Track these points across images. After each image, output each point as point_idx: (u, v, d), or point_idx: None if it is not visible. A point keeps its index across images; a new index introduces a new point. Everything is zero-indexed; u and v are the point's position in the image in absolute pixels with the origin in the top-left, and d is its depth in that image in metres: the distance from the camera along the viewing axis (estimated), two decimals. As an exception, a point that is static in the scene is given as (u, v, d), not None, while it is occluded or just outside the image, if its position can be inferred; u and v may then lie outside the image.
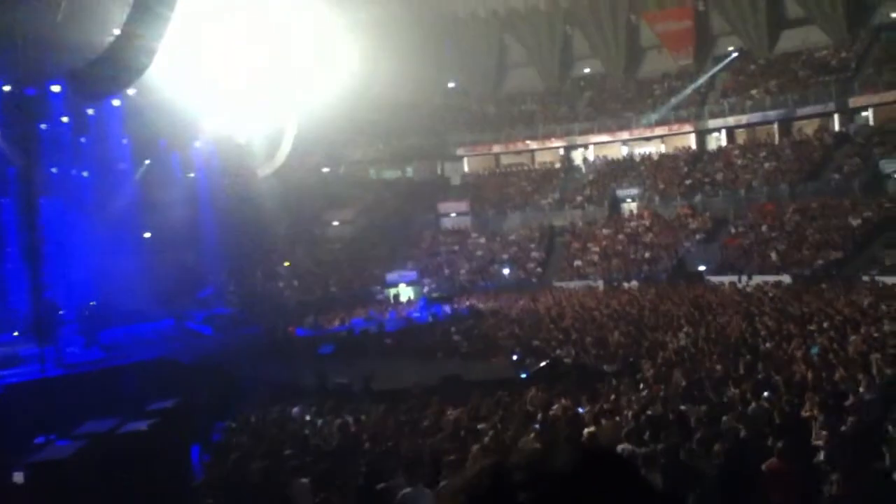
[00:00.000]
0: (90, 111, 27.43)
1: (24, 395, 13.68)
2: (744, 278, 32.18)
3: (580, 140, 49.92)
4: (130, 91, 27.02)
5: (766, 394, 11.41)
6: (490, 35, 53.69)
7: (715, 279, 33.64)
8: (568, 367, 17.36)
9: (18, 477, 9.21)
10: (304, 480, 9.17)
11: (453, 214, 48.42)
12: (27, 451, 10.41)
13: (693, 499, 7.73)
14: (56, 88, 24.64)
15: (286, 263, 40.31)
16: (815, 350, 14.86)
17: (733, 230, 38.77)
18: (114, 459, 10.18)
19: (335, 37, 34.50)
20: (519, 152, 51.90)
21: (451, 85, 54.36)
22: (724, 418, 10.34)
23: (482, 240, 45.67)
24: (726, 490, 7.89)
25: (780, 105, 43.72)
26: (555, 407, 12.38)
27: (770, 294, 26.52)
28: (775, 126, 44.39)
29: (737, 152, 44.71)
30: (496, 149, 51.85)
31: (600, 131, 49.09)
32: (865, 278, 28.78)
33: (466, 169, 52.95)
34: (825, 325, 18.15)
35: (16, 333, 21.12)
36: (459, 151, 52.43)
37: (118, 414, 12.16)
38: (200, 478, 9.32)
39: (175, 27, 22.37)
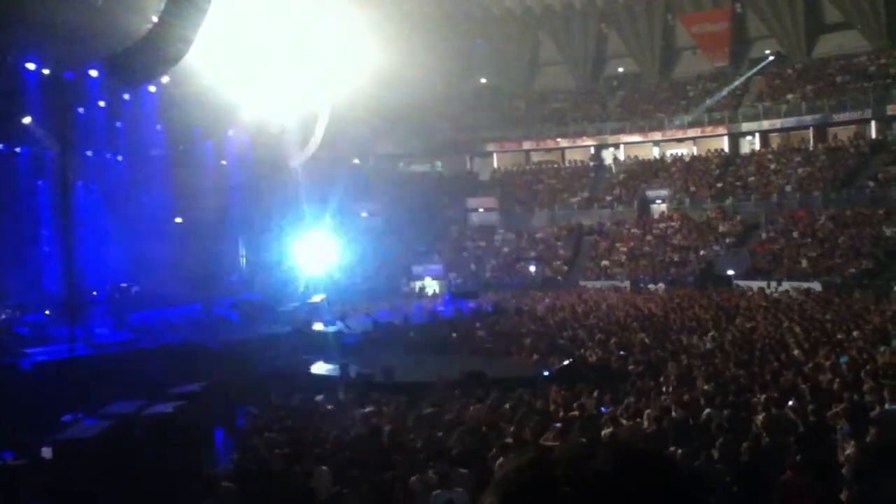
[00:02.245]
0: (126, 96, 27.78)
1: (53, 373, 13.90)
2: (773, 284, 31.83)
3: (611, 139, 49.61)
4: (164, 79, 27.34)
5: (790, 402, 11.29)
6: (524, 32, 53.50)
7: (743, 284, 33.30)
8: (591, 367, 17.30)
9: (47, 452, 9.39)
10: (324, 468, 9.24)
11: (481, 210, 48.37)
12: (55, 428, 10.60)
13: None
14: (94, 73, 24.99)
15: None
16: (843, 360, 14.66)
17: (764, 235, 38.34)
18: (138, 440, 10.36)
19: (368, 31, 34.62)
20: (549, 150, 51.69)
21: (482, 81, 54.26)
22: (748, 425, 10.27)
23: (509, 236, 45.58)
24: (744, 498, 7.83)
25: (816, 110, 43.09)
26: (576, 406, 12.34)
27: (799, 301, 26.21)
28: (810, 131, 43.78)
29: (770, 157, 44.17)
30: (526, 145, 51.69)
31: (632, 131, 48.74)
32: (897, 289, 28.33)
33: (496, 165, 52.83)
34: (855, 334, 17.90)
35: (47, 312, 21.47)
36: (489, 147, 52.33)
37: (144, 395, 12.35)
38: (224, 462, 9.42)
39: (211, 17, 22.57)
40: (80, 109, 26.31)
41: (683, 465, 8.46)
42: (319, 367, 17.32)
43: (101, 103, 26.64)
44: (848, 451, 8.63)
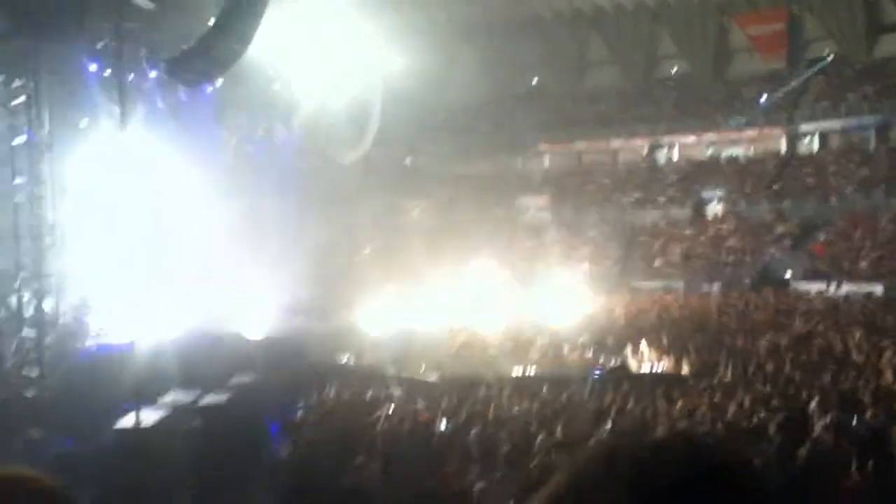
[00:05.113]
0: (183, 97, 28.32)
1: (114, 360, 14.24)
2: (832, 287, 31.07)
3: (665, 140, 49.00)
4: (219, 81, 27.81)
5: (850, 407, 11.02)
6: (575, 33, 53.13)
7: (802, 287, 32.57)
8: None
9: (107, 440, 9.65)
10: (374, 463, 9.33)
11: (532, 210, 48.20)
12: (116, 415, 10.90)
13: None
14: (153, 74, 25.55)
15: (366, 252, 40.92)
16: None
17: (823, 237, 37.44)
18: (195, 429, 10.58)
19: (419, 35, 34.79)
20: (601, 151, 51.25)
21: (534, 82, 54.08)
22: (805, 428, 10.06)
23: (561, 235, 45.29)
24: (804, 499, 7.68)
25: (877, 111, 41.91)
26: (630, 406, 12.25)
27: (860, 304, 25.54)
28: (871, 132, 42.58)
29: (829, 158, 43.11)
30: (578, 146, 51.31)
31: (686, 131, 48.05)
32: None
33: (547, 164, 52.58)
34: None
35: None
36: (541, 147, 52.11)
37: (199, 386, 12.62)
38: (279, 453, 9.58)
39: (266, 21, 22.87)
40: (140, 110, 26.88)
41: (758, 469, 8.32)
42: (371, 362, 17.47)
43: (160, 104, 27.20)
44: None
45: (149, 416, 10.52)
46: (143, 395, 11.70)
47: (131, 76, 24.87)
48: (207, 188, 27.44)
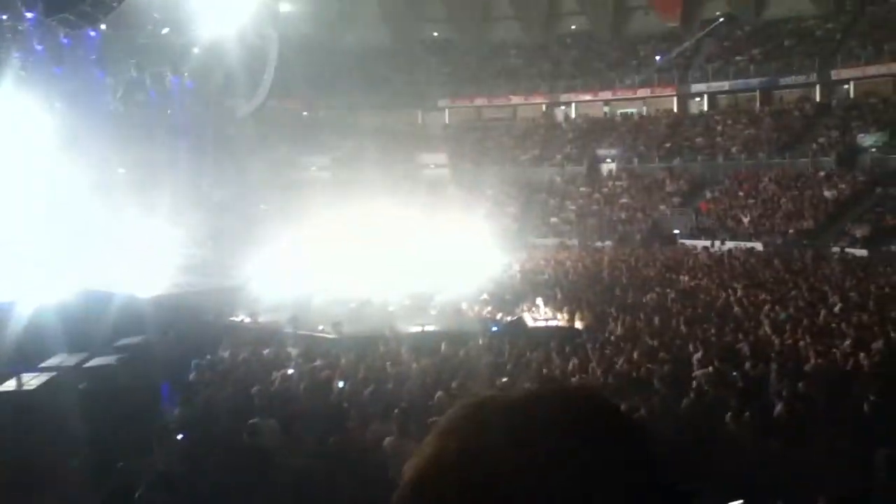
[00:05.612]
0: (64, 41, 26.72)
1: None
2: (717, 244, 32.53)
3: (563, 97, 49.75)
4: (102, 25, 26.37)
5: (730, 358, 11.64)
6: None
7: (689, 243, 33.98)
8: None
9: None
10: (272, 422, 9.23)
11: (432, 166, 48.21)
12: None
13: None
14: (29, 15, 23.96)
15: (262, 207, 40.02)
16: (784, 317, 15.12)
17: (709, 195, 39.07)
18: (81, 392, 10.20)
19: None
20: (501, 107, 51.58)
21: (434, 34, 53.68)
22: (689, 380, 10.56)
23: (460, 193, 45.51)
24: (684, 452, 8.06)
25: (763, 73, 43.76)
26: (524, 360, 12.54)
27: (741, 260, 26.86)
28: (757, 94, 44.49)
29: (717, 118, 44.81)
30: (478, 101, 51.48)
31: (584, 90, 48.92)
32: (835, 250, 29.24)
33: (447, 120, 52.57)
34: (794, 293, 18.46)
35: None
36: (441, 103, 52.01)
37: (87, 348, 12.17)
38: (171, 415, 9.35)
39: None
40: (16, 55, 25.23)
41: (632, 415, 8.68)
42: (268, 320, 17.22)
43: (39, 48, 25.60)
44: (778, 406, 8.95)
45: (31, 380, 10.07)
46: (26, 359, 11.19)
47: (4, 17, 23.26)
48: (92, 138, 26.13)
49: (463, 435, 0.83)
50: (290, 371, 12.09)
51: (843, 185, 35.43)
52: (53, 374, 10.60)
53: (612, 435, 0.84)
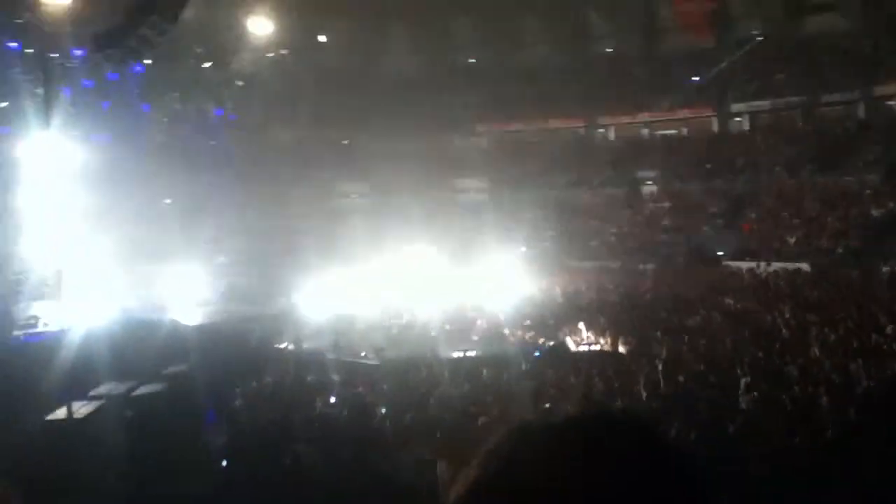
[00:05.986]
0: (112, 77, 27.51)
1: (44, 352, 13.81)
2: (762, 264, 31.98)
3: (600, 120, 49.67)
4: (147, 60, 27.09)
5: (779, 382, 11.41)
6: (508, 12, 53.19)
7: (733, 264, 33.44)
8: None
9: (39, 432, 9.38)
10: (314, 448, 9.28)
11: (471, 191, 48.33)
12: (49, 408, 10.59)
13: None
14: (78, 52, 24.71)
15: (304, 234, 40.47)
16: (833, 339, 14.79)
17: (752, 215, 38.50)
18: (129, 421, 10.35)
19: (355, 11, 34.37)
20: (538, 130, 51.61)
21: (469, 61, 54.07)
22: (735, 403, 10.38)
23: (498, 216, 45.51)
24: (729, 475, 7.91)
25: (804, 91, 43.21)
26: (567, 385, 12.44)
27: (788, 281, 26.38)
28: (798, 112, 43.91)
29: (758, 137, 44.29)
30: (515, 126, 51.58)
31: (621, 111, 48.75)
32: (885, 269, 28.53)
33: (485, 146, 52.72)
34: (842, 314, 18.04)
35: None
36: (478, 128, 52.24)
37: (134, 377, 12.36)
38: (217, 440, 9.44)
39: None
40: (66, 90, 26.01)
41: (672, 440, 8.54)
42: (311, 347, 17.32)
43: (88, 83, 26.38)
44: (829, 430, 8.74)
45: (81, 408, 10.25)
46: (76, 387, 11.40)
47: (55, 55, 24.04)
48: (138, 169, 26.78)
49: (504, 458, 0.84)
50: (333, 398, 12.15)
51: (891, 203, 34.65)
52: (102, 402, 10.78)
53: (651, 459, 0.84)
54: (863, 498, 7.06)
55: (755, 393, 10.70)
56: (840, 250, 32.63)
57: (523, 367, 14.27)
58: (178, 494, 7.75)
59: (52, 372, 12.44)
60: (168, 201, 30.36)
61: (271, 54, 30.56)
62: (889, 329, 15.50)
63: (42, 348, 14.10)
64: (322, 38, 34.55)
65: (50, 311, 18.32)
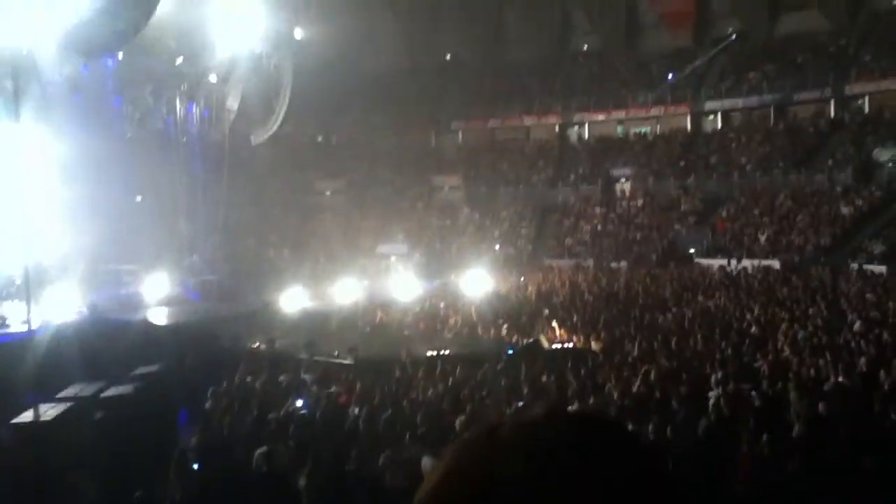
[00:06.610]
0: (83, 70, 27.12)
1: (11, 353, 13.62)
2: (733, 262, 32.33)
3: (576, 117, 49.85)
4: (120, 54, 26.78)
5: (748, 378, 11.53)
6: (488, 8, 53.25)
7: (704, 262, 33.77)
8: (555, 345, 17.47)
9: (3, 437, 9.23)
10: (288, 447, 9.23)
11: (447, 188, 48.36)
12: (14, 411, 10.43)
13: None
14: (48, 45, 24.31)
15: (277, 232, 40.30)
16: (801, 336, 14.98)
17: (724, 213, 38.87)
18: (98, 423, 10.23)
19: (329, 5, 34.19)
20: (514, 128, 51.72)
21: (447, 57, 54.01)
22: (707, 399, 10.47)
23: (475, 215, 45.62)
24: (705, 468, 7.99)
25: (777, 89, 43.68)
26: (540, 384, 12.48)
27: (758, 278, 26.68)
28: (771, 110, 44.37)
29: (732, 135, 44.71)
30: (491, 123, 51.65)
31: (596, 109, 48.97)
32: (854, 266, 28.97)
33: (461, 142, 52.75)
34: (811, 311, 18.30)
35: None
36: (454, 125, 52.24)
37: (104, 377, 12.21)
38: (188, 442, 9.36)
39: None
40: (35, 84, 25.61)
41: (643, 439, 8.61)
42: (284, 346, 17.22)
43: (58, 77, 25.97)
44: (797, 426, 8.85)
45: (49, 410, 10.12)
46: (44, 389, 11.25)
47: (25, 48, 23.64)
48: (109, 164, 26.44)
49: (473, 458, 0.85)
50: (307, 397, 12.08)
51: (860, 201, 35.15)
52: (70, 404, 10.64)
53: (620, 458, 0.84)
54: (831, 496, 7.15)
55: (725, 389, 10.80)
56: (810, 247, 33.05)
57: (497, 365, 14.28)
58: (149, 497, 7.66)
59: (19, 374, 12.27)
60: (139, 198, 30.02)
61: (247, 49, 30.28)
62: (857, 325, 15.75)
63: (8, 349, 13.90)
64: (298, 33, 34.26)
65: (17, 311, 18.07)
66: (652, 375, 12.13)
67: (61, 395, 11.16)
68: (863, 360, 12.12)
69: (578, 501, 0.79)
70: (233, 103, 32.52)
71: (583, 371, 13.21)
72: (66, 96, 26.95)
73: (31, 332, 13.73)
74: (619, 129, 48.91)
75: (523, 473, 0.80)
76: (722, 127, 46.08)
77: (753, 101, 44.61)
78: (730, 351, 14.02)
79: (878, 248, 30.94)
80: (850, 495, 6.99)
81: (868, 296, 20.37)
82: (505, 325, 19.48)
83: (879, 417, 9.13)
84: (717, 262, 32.71)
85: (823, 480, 7.29)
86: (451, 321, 20.90)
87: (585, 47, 53.44)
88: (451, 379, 13.07)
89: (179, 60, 29.33)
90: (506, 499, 0.79)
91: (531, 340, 17.74)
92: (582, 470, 0.81)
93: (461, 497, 0.82)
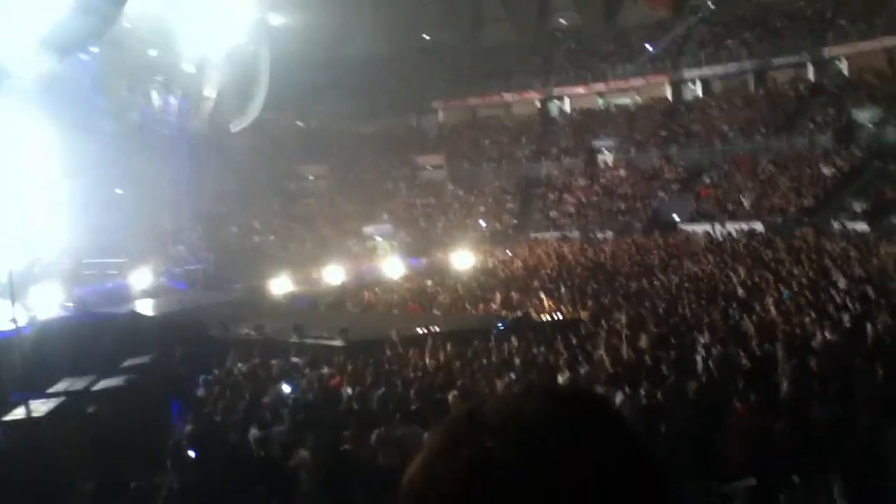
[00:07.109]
0: (60, 66, 26.76)
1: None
2: (717, 227, 32.49)
3: (556, 92, 49.76)
4: (95, 49, 26.45)
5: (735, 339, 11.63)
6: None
7: (689, 228, 33.94)
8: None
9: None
10: (282, 431, 9.26)
11: (429, 168, 48.28)
12: (4, 408, 10.39)
13: (666, 441, 7.88)
14: (24, 42, 23.96)
15: (262, 218, 40.16)
16: (786, 295, 15.11)
17: (707, 180, 39.02)
18: (91, 416, 10.21)
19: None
20: (495, 105, 51.59)
21: (426, 38, 53.70)
22: (696, 363, 10.57)
23: (459, 192, 45.62)
24: (696, 432, 8.06)
25: (756, 55, 43.70)
26: (531, 355, 12.54)
27: (742, 242, 26.84)
28: (750, 77, 44.42)
29: (712, 103, 44.76)
30: (472, 102, 51.49)
31: (576, 83, 48.89)
32: (836, 225, 29.20)
33: (442, 122, 52.61)
34: (796, 271, 18.43)
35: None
36: (435, 105, 52.05)
37: (94, 371, 12.16)
38: (182, 432, 9.36)
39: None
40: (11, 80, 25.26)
41: (635, 405, 8.69)
42: (274, 331, 17.22)
43: (33, 73, 25.63)
44: (785, 383, 8.94)
45: (39, 406, 10.08)
46: (33, 385, 11.20)
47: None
48: (88, 159, 26.19)
49: (460, 440, 0.85)
50: (299, 380, 12.10)
51: (841, 162, 35.35)
52: (61, 399, 10.60)
53: (609, 441, 0.85)
54: (820, 453, 7.24)
55: (713, 351, 10.90)
56: (793, 209, 33.26)
57: (489, 340, 14.33)
58: (146, 488, 7.67)
59: (8, 371, 12.21)
60: (119, 191, 29.76)
61: (222, 37, 29.98)
62: (841, 283, 15.89)
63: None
64: (277, 21, 33.96)
65: (1, 308, 17.95)
66: (642, 342, 12.22)
67: (51, 390, 11.12)
68: (847, 316, 12.23)
69: (569, 485, 0.80)
70: (211, 92, 32.21)
71: (573, 341, 13.28)
72: (42, 94, 26.64)
73: (17, 329, 13.63)
74: (601, 101, 48.87)
75: (515, 458, 0.81)
76: (702, 95, 46.11)
77: (733, 68, 44.62)
78: (717, 314, 14.13)
79: (860, 207, 31.18)
80: (838, 452, 7.08)
81: (852, 254, 20.52)
82: (496, 299, 19.56)
83: (865, 373, 9.22)
84: (701, 228, 32.88)
85: (811, 438, 7.38)
86: (440, 298, 20.96)
87: (564, 22, 53.24)
88: (442, 355, 13.12)
89: (153, 52, 29.03)
90: (498, 483, 0.80)
91: (521, 314, 17.82)
92: (573, 454, 0.81)
93: (451, 480, 0.82)
